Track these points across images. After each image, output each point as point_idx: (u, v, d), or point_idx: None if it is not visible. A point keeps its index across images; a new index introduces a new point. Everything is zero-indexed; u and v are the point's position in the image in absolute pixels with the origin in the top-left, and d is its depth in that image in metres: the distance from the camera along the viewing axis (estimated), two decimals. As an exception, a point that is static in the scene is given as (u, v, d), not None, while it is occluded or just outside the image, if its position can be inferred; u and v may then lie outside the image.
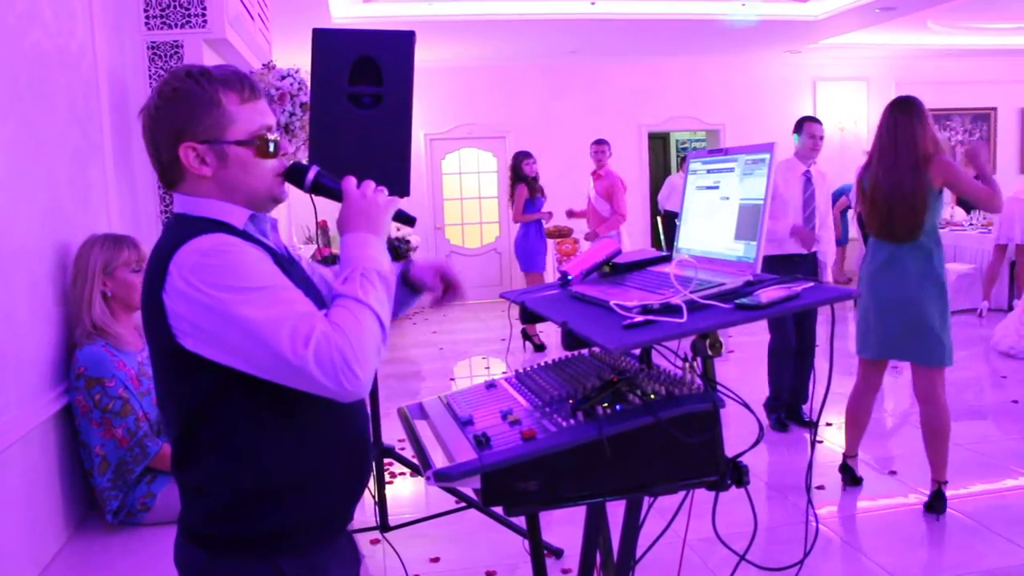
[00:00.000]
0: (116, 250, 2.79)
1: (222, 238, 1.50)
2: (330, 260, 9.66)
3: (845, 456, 4.45)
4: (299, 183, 1.69)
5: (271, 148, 1.61)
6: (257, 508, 1.56)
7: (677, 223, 2.29)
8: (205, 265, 1.45)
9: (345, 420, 1.65)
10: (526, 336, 8.33)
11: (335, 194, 1.69)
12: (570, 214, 8.49)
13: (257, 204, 1.64)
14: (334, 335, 1.42)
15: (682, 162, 12.99)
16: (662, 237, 12.33)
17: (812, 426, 5.32)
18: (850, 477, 4.44)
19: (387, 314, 1.54)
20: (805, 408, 5.54)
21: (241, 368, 1.45)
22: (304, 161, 3.38)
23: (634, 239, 11.27)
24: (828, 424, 5.40)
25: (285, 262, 1.63)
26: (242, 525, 1.57)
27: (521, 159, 8.25)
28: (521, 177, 8.22)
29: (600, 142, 8.14)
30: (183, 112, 1.56)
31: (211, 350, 1.46)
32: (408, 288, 2.00)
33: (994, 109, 13.07)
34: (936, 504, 4.04)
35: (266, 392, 1.49)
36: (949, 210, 10.85)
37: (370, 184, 1.68)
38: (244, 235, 1.58)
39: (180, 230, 1.54)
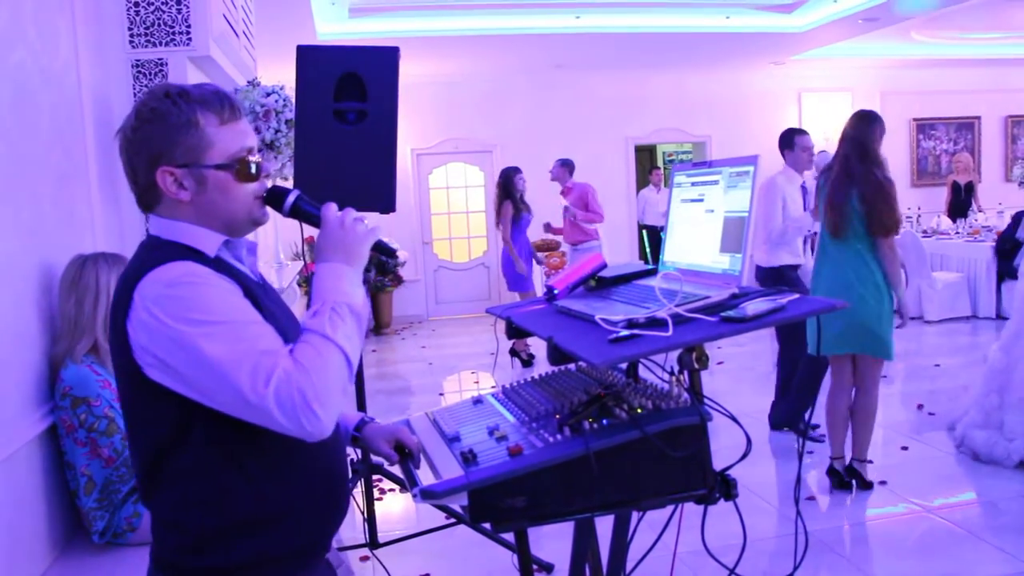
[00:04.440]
0: (122, 266, 2.80)
1: (188, 267, 1.46)
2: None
3: (831, 458, 4.57)
4: (278, 207, 1.66)
5: (252, 171, 1.57)
6: (229, 541, 1.53)
7: (662, 235, 2.29)
8: (168, 296, 1.42)
9: (319, 452, 1.59)
10: (514, 353, 8.29)
11: (314, 220, 1.66)
12: (547, 228, 8.53)
13: (236, 228, 1.61)
14: (296, 374, 1.39)
15: (649, 172, 13.00)
16: (648, 250, 12.36)
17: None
18: (837, 480, 4.52)
19: (356, 351, 1.50)
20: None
21: (202, 402, 1.43)
22: (291, 178, 3.38)
23: (620, 252, 11.31)
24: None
25: (258, 289, 1.60)
26: (213, 557, 1.53)
27: (513, 174, 8.22)
28: (508, 193, 8.19)
29: (557, 163, 8.37)
30: (160, 135, 1.51)
31: (173, 382, 1.44)
32: (353, 444, 1.93)
33: (978, 118, 13.17)
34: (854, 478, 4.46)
35: (234, 425, 1.45)
36: (936, 219, 10.92)
37: (351, 212, 1.64)
38: (216, 262, 1.54)
39: (148, 256, 1.51)
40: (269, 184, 1.67)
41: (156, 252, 1.51)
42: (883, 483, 4.58)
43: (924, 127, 13.01)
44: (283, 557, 1.58)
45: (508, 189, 8.17)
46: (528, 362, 8.18)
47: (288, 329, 1.56)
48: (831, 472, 4.55)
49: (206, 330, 1.40)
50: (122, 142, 1.56)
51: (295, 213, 1.67)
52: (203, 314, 1.41)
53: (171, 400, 1.45)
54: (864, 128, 4.36)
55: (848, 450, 4.55)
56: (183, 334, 1.40)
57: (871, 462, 4.52)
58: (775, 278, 5.34)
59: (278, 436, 1.45)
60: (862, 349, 4.32)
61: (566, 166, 8.35)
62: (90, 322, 2.73)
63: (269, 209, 1.67)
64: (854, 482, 4.47)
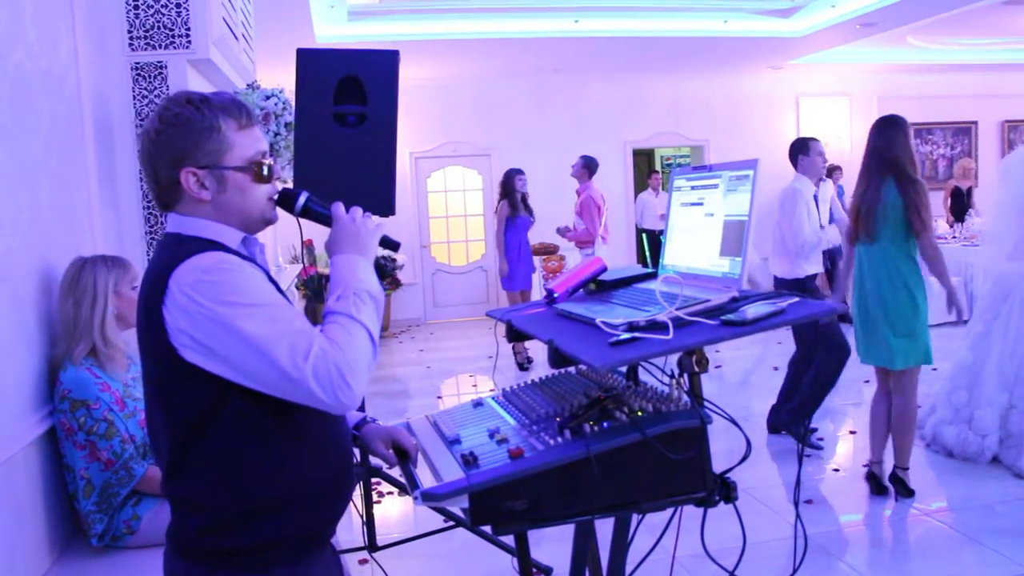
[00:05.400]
0: (122, 269, 2.82)
1: (220, 256, 1.56)
2: (315, 280, 9.66)
3: (870, 462, 4.60)
4: (289, 207, 1.76)
5: (266, 173, 1.67)
6: (252, 521, 1.59)
7: (661, 239, 2.30)
8: (206, 282, 1.51)
9: (334, 431, 1.70)
10: (515, 351, 8.30)
11: (324, 219, 1.77)
12: (561, 232, 8.52)
13: (250, 226, 1.70)
14: (331, 350, 1.48)
15: (648, 177, 13.02)
16: (647, 254, 12.37)
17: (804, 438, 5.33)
18: (875, 486, 4.52)
19: (377, 331, 1.60)
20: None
21: (240, 382, 1.51)
22: (290, 181, 3.38)
23: (619, 256, 11.31)
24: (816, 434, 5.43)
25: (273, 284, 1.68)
26: (236, 538, 1.59)
27: (514, 174, 8.25)
28: (507, 193, 8.21)
29: (579, 160, 8.25)
30: (184, 138, 1.61)
31: (212, 363, 1.51)
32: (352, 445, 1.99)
33: (975, 123, 13.19)
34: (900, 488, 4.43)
35: (262, 405, 1.54)
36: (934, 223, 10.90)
37: (358, 209, 1.76)
38: (238, 255, 1.63)
39: (177, 249, 1.59)
40: (279, 187, 1.76)
41: (185, 245, 1.59)
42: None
43: (921, 132, 13.02)
44: (300, 537, 1.65)
45: (507, 189, 8.20)
46: (524, 366, 8.18)
47: None
48: (870, 477, 4.55)
49: (245, 311, 1.49)
50: (145, 144, 1.65)
51: (306, 213, 1.78)
52: (240, 297, 1.51)
53: (205, 382, 1.53)
54: (886, 134, 4.33)
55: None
56: (224, 315, 1.49)
57: (907, 468, 4.47)
58: (799, 290, 5.15)
59: (304, 417, 1.57)
60: (889, 363, 4.32)
61: (587, 166, 8.23)
62: (87, 325, 2.73)
63: (278, 210, 1.76)
64: (893, 488, 4.45)
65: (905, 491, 4.40)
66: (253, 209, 1.68)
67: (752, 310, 1.69)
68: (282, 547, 1.62)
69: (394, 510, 4.70)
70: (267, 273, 1.69)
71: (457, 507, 1.62)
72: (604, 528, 2.14)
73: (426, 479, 1.72)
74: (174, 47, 3.63)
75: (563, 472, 1.61)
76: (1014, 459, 4.66)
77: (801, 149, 5.43)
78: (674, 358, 1.73)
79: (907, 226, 4.20)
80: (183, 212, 1.66)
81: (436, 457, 1.80)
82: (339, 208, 1.75)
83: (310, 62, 3.37)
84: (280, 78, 4.67)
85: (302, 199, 1.76)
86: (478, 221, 11.99)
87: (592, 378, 2.10)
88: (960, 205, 11.32)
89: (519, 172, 8.29)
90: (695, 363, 1.73)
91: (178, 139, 1.60)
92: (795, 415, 5.42)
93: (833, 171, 10.49)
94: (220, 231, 1.65)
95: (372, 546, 3.63)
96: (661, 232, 2.53)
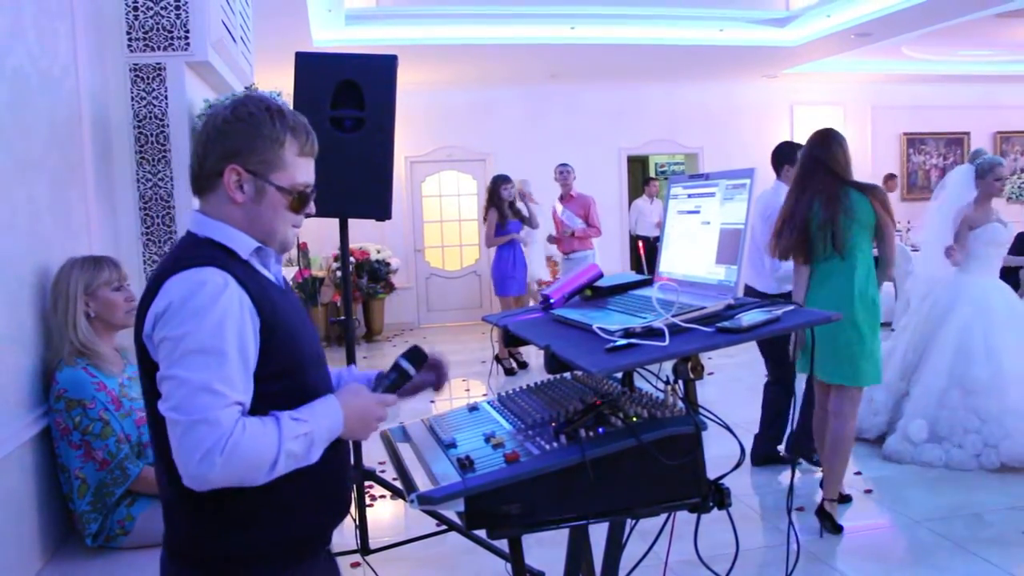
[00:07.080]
0: (96, 270, 2.79)
1: (210, 277, 1.54)
2: (309, 282, 9.64)
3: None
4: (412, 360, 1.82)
5: (303, 205, 1.69)
6: (239, 530, 1.59)
7: (657, 246, 2.31)
8: (184, 300, 1.52)
9: (329, 447, 1.66)
10: (498, 360, 8.29)
11: (398, 380, 1.81)
12: (552, 240, 8.51)
13: (267, 244, 1.70)
14: (232, 429, 1.47)
15: (646, 184, 13.04)
16: (643, 261, 12.39)
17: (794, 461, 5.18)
18: (831, 525, 4.14)
19: (281, 469, 1.54)
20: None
21: None
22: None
23: (613, 262, 11.33)
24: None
25: (279, 296, 1.68)
26: (233, 543, 1.59)
27: (500, 183, 8.25)
28: (495, 202, 8.22)
29: (565, 166, 8.26)
30: (246, 137, 1.62)
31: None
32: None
33: (967, 134, 13.25)
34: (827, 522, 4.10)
35: (256, 408, 1.55)
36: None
37: (395, 402, 1.79)
38: (245, 265, 1.63)
39: (186, 251, 1.62)
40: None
41: (193, 251, 1.61)
42: (868, 492, 4.61)
43: (914, 142, 13.09)
44: (292, 546, 1.65)
45: (493, 197, 8.22)
46: (512, 371, 8.18)
47: (302, 332, 1.68)
48: (822, 514, 4.14)
49: (189, 345, 1.49)
50: (208, 127, 1.66)
51: (412, 359, 1.83)
52: (196, 330, 1.50)
53: None
54: (820, 148, 4.23)
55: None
56: (172, 339, 1.50)
57: (849, 498, 4.39)
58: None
59: None
60: (840, 379, 4.06)
61: (572, 172, 8.28)
62: (61, 327, 2.72)
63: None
64: (820, 523, 4.10)
65: (833, 527, 4.08)
66: (278, 231, 1.69)
67: (747, 317, 1.71)
68: (273, 555, 1.63)
69: (386, 513, 4.70)
70: (276, 284, 1.71)
71: (452, 511, 1.62)
72: (597, 533, 2.16)
73: (422, 483, 1.73)
74: (173, 49, 3.63)
75: (558, 477, 1.62)
76: (887, 440, 5.03)
77: (788, 157, 4.93)
78: (669, 364, 1.74)
79: (873, 234, 4.04)
80: (208, 212, 1.67)
81: (432, 461, 1.81)
82: (391, 398, 1.77)
83: (308, 66, 3.40)
84: (278, 81, 4.68)
85: (409, 367, 1.81)
86: (472, 226, 11.99)
87: (588, 384, 2.11)
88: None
89: (507, 180, 8.31)
90: (690, 370, 1.74)
91: (241, 136, 1.62)
92: (799, 437, 4.95)
93: None
94: (235, 237, 1.65)
95: (365, 549, 3.64)
96: (656, 239, 2.53)
